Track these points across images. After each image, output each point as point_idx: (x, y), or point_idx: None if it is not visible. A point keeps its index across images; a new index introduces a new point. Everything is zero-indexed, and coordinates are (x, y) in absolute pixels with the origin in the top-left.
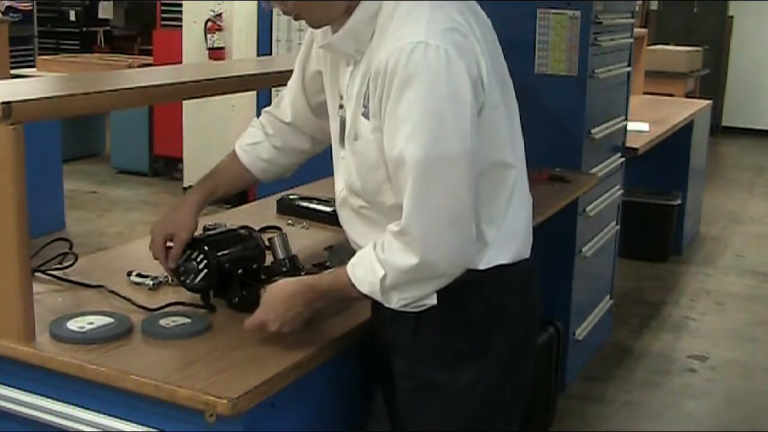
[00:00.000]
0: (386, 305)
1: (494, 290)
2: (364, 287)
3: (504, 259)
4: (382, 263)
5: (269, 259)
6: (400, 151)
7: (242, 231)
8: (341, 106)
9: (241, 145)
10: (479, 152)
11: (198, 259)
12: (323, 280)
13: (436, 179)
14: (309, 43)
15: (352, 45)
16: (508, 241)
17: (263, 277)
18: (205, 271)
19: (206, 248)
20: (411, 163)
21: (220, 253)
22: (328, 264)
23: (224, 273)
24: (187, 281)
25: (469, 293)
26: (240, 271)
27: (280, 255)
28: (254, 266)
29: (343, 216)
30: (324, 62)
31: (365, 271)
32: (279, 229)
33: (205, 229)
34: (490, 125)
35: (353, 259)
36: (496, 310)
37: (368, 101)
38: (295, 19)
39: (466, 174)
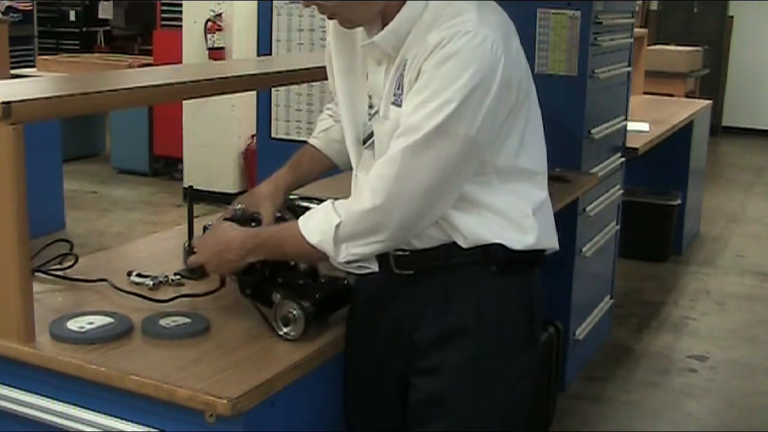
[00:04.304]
0: (332, 259)
1: (539, 278)
2: (314, 237)
3: (555, 245)
4: (339, 210)
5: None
6: (420, 120)
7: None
8: (371, 106)
9: (313, 135)
10: (483, 146)
11: None
12: (267, 229)
13: (434, 149)
14: (330, 58)
15: (392, 42)
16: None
17: (279, 280)
18: None
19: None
20: (424, 131)
21: None
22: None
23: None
24: None
25: (533, 278)
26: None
27: (302, 266)
28: (285, 266)
29: None
30: (339, 65)
31: (318, 222)
32: None
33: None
34: (524, 128)
35: (307, 213)
36: (540, 296)
37: (399, 88)
38: (330, 18)
39: (460, 158)
